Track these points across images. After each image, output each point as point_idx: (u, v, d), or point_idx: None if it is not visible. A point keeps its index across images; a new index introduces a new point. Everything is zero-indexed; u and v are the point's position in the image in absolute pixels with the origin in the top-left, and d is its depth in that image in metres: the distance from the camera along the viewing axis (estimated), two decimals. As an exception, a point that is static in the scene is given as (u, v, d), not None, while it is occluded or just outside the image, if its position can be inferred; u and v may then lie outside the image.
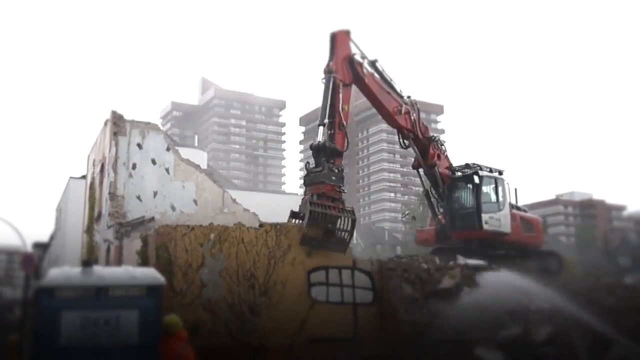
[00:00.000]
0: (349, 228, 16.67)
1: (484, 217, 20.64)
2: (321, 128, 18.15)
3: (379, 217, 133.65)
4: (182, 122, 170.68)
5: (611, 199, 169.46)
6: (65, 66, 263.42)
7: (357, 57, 19.68)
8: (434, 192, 22.17)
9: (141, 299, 9.11)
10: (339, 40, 19.33)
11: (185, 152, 24.57)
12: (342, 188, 17.53)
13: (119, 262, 18.35)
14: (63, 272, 9.30)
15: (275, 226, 16.11)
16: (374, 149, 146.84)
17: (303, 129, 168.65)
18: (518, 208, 22.70)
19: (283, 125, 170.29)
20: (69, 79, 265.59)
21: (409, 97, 21.46)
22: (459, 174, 21.73)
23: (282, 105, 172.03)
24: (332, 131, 18.14)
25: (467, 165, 22.48)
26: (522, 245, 21.72)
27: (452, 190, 21.68)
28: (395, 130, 22.34)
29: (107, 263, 19.96)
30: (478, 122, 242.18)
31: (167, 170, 22.25)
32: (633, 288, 16.28)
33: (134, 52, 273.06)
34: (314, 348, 15.02)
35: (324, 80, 18.64)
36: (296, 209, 17.21)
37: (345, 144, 18.58)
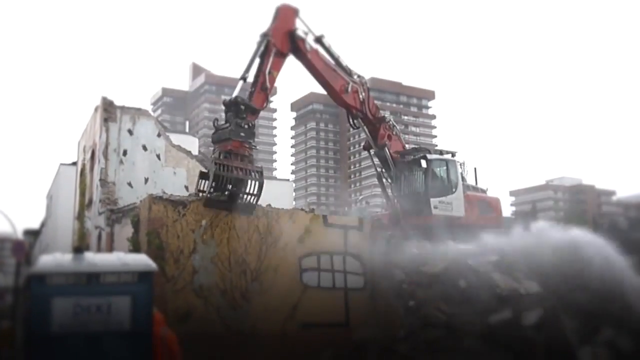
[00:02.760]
0: (255, 192, 16.04)
1: (433, 201, 20.22)
2: (240, 82, 17.62)
3: (371, 202, 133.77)
4: (172, 108, 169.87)
5: (601, 184, 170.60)
6: (55, 52, 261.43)
7: (300, 33, 19.07)
8: (385, 174, 21.86)
9: (133, 286, 9.10)
10: (282, 14, 18.86)
11: (176, 138, 24.56)
12: (253, 144, 16.89)
13: (110, 248, 18.36)
14: (54, 258, 9.26)
15: (266, 212, 16.13)
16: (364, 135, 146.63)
17: (294, 114, 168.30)
18: (476, 189, 22.50)
19: (274, 111, 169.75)
20: (59, 65, 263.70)
21: (358, 76, 20.99)
22: (410, 157, 21.42)
23: (273, 91, 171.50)
24: (253, 89, 17.63)
25: (415, 149, 22.28)
26: (479, 227, 21.40)
27: (401, 174, 21.28)
28: None
29: (99, 250, 19.97)
30: (469, 108, 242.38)
31: (158, 156, 22.23)
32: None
33: (124, 38, 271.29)
34: (306, 333, 15.11)
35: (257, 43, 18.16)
36: (288, 195, 17.19)
37: (265, 103, 18.01)
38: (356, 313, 16.14)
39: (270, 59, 17.97)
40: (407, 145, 22.56)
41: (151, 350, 9.10)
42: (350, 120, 21.50)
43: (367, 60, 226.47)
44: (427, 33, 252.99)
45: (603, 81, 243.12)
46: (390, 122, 21.69)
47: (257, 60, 17.90)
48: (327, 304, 15.91)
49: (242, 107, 16.81)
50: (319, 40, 19.87)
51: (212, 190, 15.62)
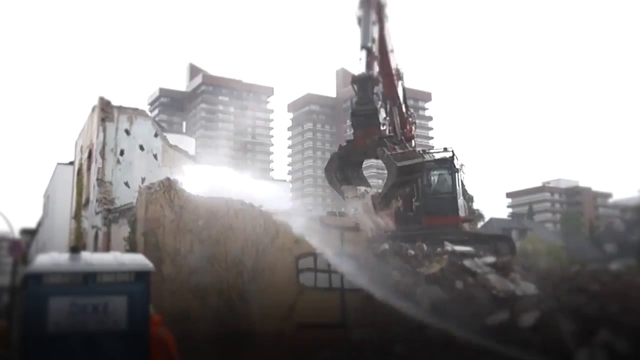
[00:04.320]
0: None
1: (460, 202, 20.27)
2: (364, 52, 16.47)
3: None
4: (169, 109, 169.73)
5: (597, 186, 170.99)
6: (53, 52, 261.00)
7: None
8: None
9: (130, 285, 9.10)
10: None
11: (173, 139, 24.57)
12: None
13: (107, 248, 18.34)
14: (51, 258, 9.26)
15: (263, 212, 16.12)
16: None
17: (291, 115, 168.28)
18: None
19: (271, 111, 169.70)
20: (57, 65, 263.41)
21: (412, 112, 21.08)
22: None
23: (270, 92, 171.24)
24: (370, 59, 16.61)
25: (442, 153, 22.24)
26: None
27: (426, 176, 21.18)
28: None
29: (95, 249, 19.94)
30: (466, 110, 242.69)
31: (155, 156, 22.24)
32: (618, 274, 16.44)
33: (121, 38, 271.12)
34: (303, 334, 15.09)
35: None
36: (285, 196, 17.13)
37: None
38: (353, 314, 16.13)
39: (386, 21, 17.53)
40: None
41: (148, 350, 9.10)
42: None
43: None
44: (423, 34, 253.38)
45: (600, 83, 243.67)
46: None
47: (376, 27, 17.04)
48: (324, 305, 15.90)
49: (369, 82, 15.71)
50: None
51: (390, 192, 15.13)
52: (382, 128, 15.78)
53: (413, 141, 21.08)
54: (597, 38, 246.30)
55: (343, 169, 16.10)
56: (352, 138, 16.97)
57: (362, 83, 15.63)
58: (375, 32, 17.04)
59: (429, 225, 20.12)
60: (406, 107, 20.81)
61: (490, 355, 13.30)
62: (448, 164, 20.71)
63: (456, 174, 20.49)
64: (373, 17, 17.14)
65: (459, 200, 20.11)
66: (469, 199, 22.73)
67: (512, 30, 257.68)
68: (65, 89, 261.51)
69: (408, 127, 20.95)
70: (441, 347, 13.81)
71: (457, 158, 21.32)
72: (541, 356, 12.90)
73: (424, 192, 20.61)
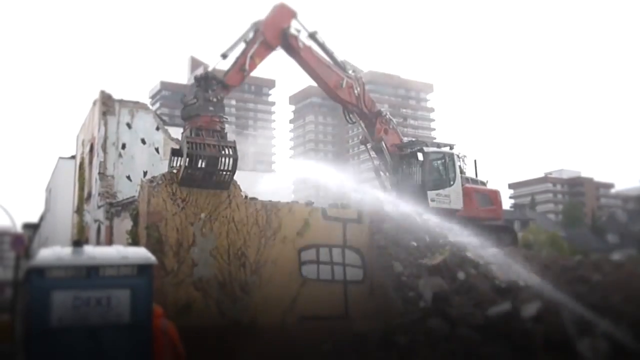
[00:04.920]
0: (230, 167, 15.53)
1: (430, 194, 20.20)
2: (220, 59, 17.66)
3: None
4: (171, 102, 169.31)
5: (599, 176, 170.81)
6: (54, 46, 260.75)
7: (292, 30, 18.96)
8: (383, 168, 21.77)
9: (132, 279, 9.12)
10: (279, 11, 18.87)
11: (174, 132, 24.52)
12: (224, 117, 16.59)
13: (110, 241, 18.37)
14: (54, 252, 9.27)
15: (265, 205, 16.13)
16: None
17: (293, 107, 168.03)
18: (475, 181, 22.46)
19: (273, 104, 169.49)
20: (58, 59, 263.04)
21: (353, 70, 20.82)
22: (407, 150, 21.32)
23: (271, 84, 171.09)
24: (231, 68, 17.58)
25: (412, 142, 22.23)
26: (478, 219, 21.34)
27: (399, 168, 21.28)
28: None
29: (98, 243, 19.98)
30: (468, 101, 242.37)
31: (156, 149, 22.24)
32: (620, 264, 16.45)
33: (122, 32, 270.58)
34: (305, 325, 15.14)
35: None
36: (287, 188, 17.21)
37: (240, 82, 17.97)
38: (355, 305, 16.18)
39: (255, 46, 17.90)
40: (404, 139, 22.53)
41: (151, 343, 9.13)
42: (346, 116, 21.45)
43: (365, 53, 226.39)
44: (424, 26, 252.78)
45: (602, 74, 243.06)
46: (387, 116, 21.65)
47: (242, 45, 17.86)
48: (326, 297, 15.95)
49: (214, 81, 16.57)
50: (312, 36, 19.78)
51: (187, 168, 15.14)
52: (215, 120, 16.23)
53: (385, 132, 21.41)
54: (600, 28, 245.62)
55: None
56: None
57: (197, 81, 16.95)
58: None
59: None
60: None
61: (492, 345, 13.34)
62: (416, 157, 20.76)
63: (427, 166, 20.53)
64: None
65: (430, 193, 20.07)
66: (481, 184, 22.69)
67: (514, 20, 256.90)
68: (66, 83, 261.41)
69: (378, 125, 21.19)
70: (443, 338, 13.85)
71: (432, 148, 21.33)
72: (543, 346, 12.94)
73: (398, 187, 20.75)
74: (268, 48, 18.42)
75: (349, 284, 16.48)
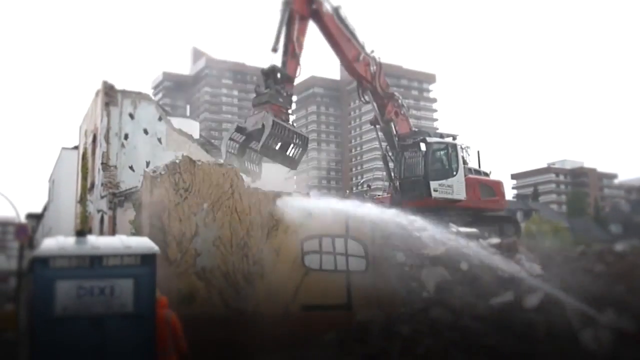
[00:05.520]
0: (301, 145, 17.86)
1: (433, 184, 20.33)
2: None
3: (372, 185, 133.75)
4: (173, 92, 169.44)
5: (602, 167, 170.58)
6: (57, 37, 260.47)
7: None
8: (391, 154, 21.90)
9: (136, 268, 9.15)
10: None
11: (177, 122, 24.52)
12: (290, 111, 18.30)
13: (113, 231, 18.38)
14: (57, 242, 9.30)
15: (268, 195, 16.12)
16: (366, 118, 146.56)
17: (295, 98, 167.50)
18: (479, 172, 22.42)
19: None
20: (61, 49, 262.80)
21: (372, 51, 21.44)
22: (410, 140, 21.46)
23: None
24: (285, 58, 18.49)
25: (415, 132, 22.29)
26: (481, 210, 21.33)
27: (402, 158, 21.36)
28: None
29: (101, 233, 19.99)
30: (471, 91, 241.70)
31: (159, 140, 22.21)
32: (623, 254, 16.44)
33: (125, 22, 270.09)
34: (308, 315, 15.16)
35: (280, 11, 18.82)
36: (289, 179, 17.30)
37: (297, 71, 18.85)
38: (358, 295, 16.19)
39: (296, 26, 18.73)
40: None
41: (154, 332, 9.17)
42: (360, 93, 21.90)
43: (367, 43, 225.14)
44: (427, 16, 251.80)
45: (605, 64, 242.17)
46: (400, 101, 22.01)
47: (284, 30, 18.67)
48: (329, 287, 15.96)
49: (279, 74, 17.95)
50: (336, 10, 20.54)
51: (268, 138, 17.19)
52: (282, 111, 18.20)
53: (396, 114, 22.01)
54: (603, 19, 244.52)
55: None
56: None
57: (265, 75, 18.63)
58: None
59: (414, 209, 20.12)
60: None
61: (495, 336, 13.36)
62: (418, 147, 20.96)
63: (429, 156, 20.70)
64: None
65: (433, 183, 20.21)
66: (484, 175, 22.75)
67: (517, 10, 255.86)
68: (69, 74, 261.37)
69: (389, 107, 21.56)
70: (446, 328, 13.87)
71: (435, 138, 21.46)
72: (545, 336, 12.95)
73: (401, 177, 20.96)
74: (302, 19, 19.23)
75: (351, 274, 16.49)
